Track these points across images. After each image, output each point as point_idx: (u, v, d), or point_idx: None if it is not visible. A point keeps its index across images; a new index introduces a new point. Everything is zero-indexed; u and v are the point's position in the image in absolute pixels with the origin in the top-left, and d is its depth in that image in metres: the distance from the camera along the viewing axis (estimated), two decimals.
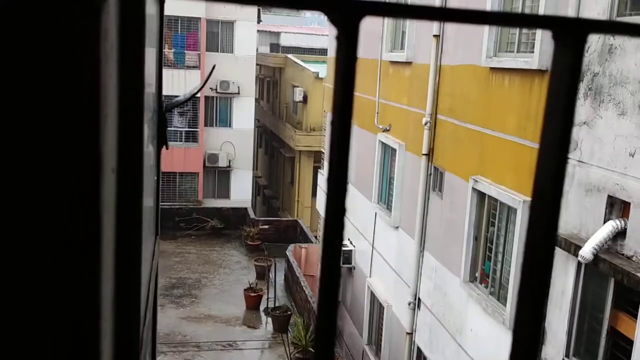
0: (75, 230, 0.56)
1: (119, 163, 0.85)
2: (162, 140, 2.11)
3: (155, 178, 2.13)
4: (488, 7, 8.54)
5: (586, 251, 6.16)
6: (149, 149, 1.78)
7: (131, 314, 1.09)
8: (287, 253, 19.22)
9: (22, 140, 0.52)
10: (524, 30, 8.06)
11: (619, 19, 6.24)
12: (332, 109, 0.43)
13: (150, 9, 1.68)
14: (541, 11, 7.35)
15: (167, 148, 2.16)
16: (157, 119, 2.03)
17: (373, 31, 13.31)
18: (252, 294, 17.65)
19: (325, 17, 0.44)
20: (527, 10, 8.00)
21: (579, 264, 6.56)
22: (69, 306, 0.57)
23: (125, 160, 0.89)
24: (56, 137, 0.52)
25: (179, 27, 24.97)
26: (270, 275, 18.30)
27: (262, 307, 17.71)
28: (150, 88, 1.82)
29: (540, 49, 7.29)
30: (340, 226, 0.45)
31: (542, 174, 0.51)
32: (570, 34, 0.47)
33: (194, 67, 24.86)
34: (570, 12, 6.81)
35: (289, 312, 16.77)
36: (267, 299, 17.51)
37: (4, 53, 0.49)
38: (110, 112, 0.73)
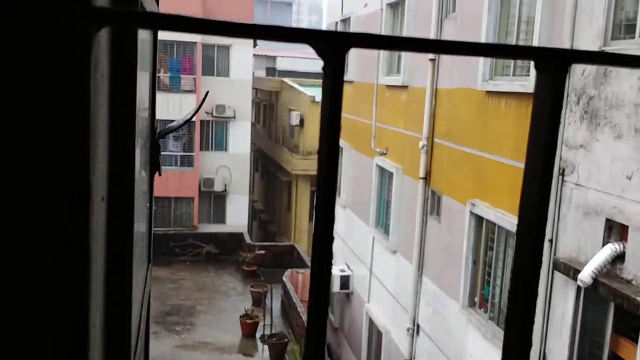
0: (63, 259, 0.57)
1: (110, 191, 0.85)
2: (155, 166, 2.06)
3: (148, 205, 2.08)
4: (483, 33, 8.57)
5: (585, 275, 6.09)
6: (141, 175, 1.73)
7: (122, 343, 1.09)
8: (284, 279, 19.06)
9: (11, 168, 0.53)
10: None
11: (614, 42, 6.25)
12: (320, 137, 0.44)
13: (144, 34, 1.64)
14: (535, 35, 7.37)
15: (159, 174, 2.11)
16: (150, 145, 1.99)
17: (369, 55, 13.37)
18: (248, 321, 17.44)
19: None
20: (522, 34, 8.03)
21: (579, 288, 6.48)
22: (56, 336, 0.58)
23: (116, 188, 0.90)
24: (44, 166, 0.53)
25: (175, 51, 25.12)
26: (267, 301, 18.12)
27: (258, 334, 17.49)
28: (143, 114, 1.78)
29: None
30: (329, 250, 0.47)
31: (527, 200, 0.52)
32: (553, 65, 0.46)
33: (190, 92, 24.94)
34: (565, 37, 6.83)
35: (286, 340, 16.56)
36: (264, 325, 17.30)
37: None
38: (101, 141, 0.74)
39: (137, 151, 1.57)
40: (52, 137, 0.52)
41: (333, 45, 0.42)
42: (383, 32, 12.56)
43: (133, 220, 1.07)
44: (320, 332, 0.46)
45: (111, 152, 0.84)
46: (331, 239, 0.45)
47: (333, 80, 0.42)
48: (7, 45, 0.50)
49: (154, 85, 2.14)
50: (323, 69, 0.42)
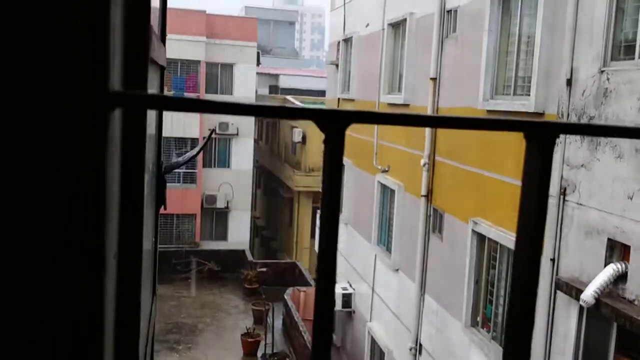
0: (77, 321, 0.58)
1: (120, 249, 0.89)
2: (160, 200, 2.08)
3: (153, 239, 2.09)
4: (483, 53, 8.64)
5: (587, 295, 6.07)
6: (148, 211, 1.76)
7: None
8: (285, 297, 18.99)
9: (31, 233, 0.56)
10: (520, 74, 8.14)
11: (613, 63, 6.29)
12: (321, 205, 0.47)
13: (151, 77, 1.68)
14: (536, 55, 7.42)
15: (165, 208, 2.14)
16: (156, 181, 2.01)
17: (371, 73, 13.46)
18: (250, 340, 17.35)
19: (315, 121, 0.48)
20: (522, 54, 8.09)
21: (581, 308, 6.46)
22: None
23: (126, 246, 0.93)
24: (63, 229, 0.56)
25: (179, 69, 25.29)
26: (268, 319, 18.03)
27: (259, 353, 17.38)
28: (149, 151, 1.81)
29: (537, 92, 7.33)
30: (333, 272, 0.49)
31: (518, 265, 0.51)
32: (541, 136, 0.48)
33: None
34: (565, 57, 6.87)
35: (287, 359, 16.46)
36: (265, 344, 17.20)
37: (15, 156, 0.54)
38: (113, 202, 0.78)
39: (147, 189, 1.60)
40: (69, 204, 0.56)
41: (335, 122, 0.45)
42: (384, 52, 12.66)
43: (140, 272, 1.09)
44: (324, 352, 0.48)
45: (122, 211, 0.87)
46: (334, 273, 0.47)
47: (333, 153, 0.45)
48: (29, 124, 0.53)
49: (161, 118, 2.17)
50: (324, 142, 0.45)
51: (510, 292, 0.51)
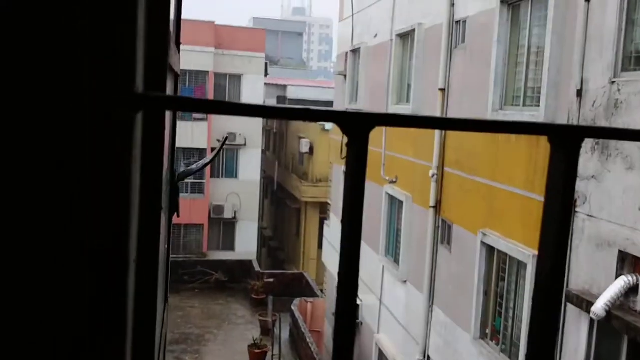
0: (102, 326, 0.59)
1: (139, 254, 0.90)
2: (174, 207, 2.09)
3: (167, 246, 2.09)
4: (493, 63, 8.62)
5: (598, 308, 6.01)
6: (162, 218, 1.77)
7: None
8: (293, 308, 18.92)
9: (58, 233, 0.57)
10: (530, 84, 8.11)
11: (624, 74, 6.26)
12: (343, 209, 0.47)
13: (170, 79, 1.69)
14: (545, 66, 7.40)
15: (178, 215, 2.14)
16: (170, 189, 2.02)
17: (379, 84, 13.47)
18: (257, 351, 17.28)
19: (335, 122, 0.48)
20: (532, 65, 8.06)
21: (592, 320, 6.38)
22: None
23: (145, 250, 0.97)
24: (89, 231, 0.57)
25: (187, 80, 25.43)
26: (275, 330, 17.97)
27: None
28: (164, 161, 1.83)
29: (547, 103, 7.30)
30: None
31: (541, 275, 0.49)
32: (565, 141, 0.46)
33: (202, 120, 25.17)
34: (575, 68, 6.84)
35: None
36: (272, 355, 17.13)
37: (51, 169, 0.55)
38: (134, 208, 0.77)
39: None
40: (96, 207, 0.57)
41: (358, 125, 0.45)
42: (392, 62, 12.67)
43: (157, 277, 1.11)
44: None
45: (141, 215, 0.89)
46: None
47: (357, 156, 0.45)
48: (59, 126, 0.55)
49: (175, 126, 2.18)
50: (347, 145, 0.45)
51: (533, 300, 0.50)
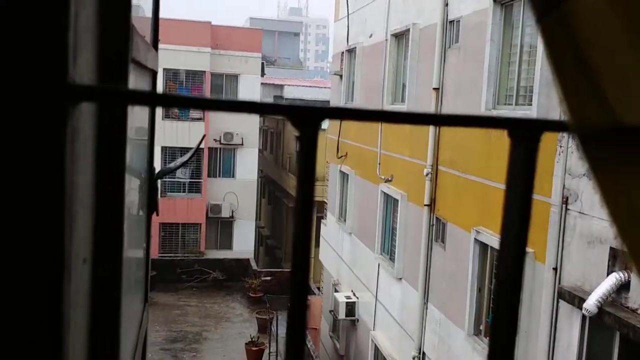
0: (35, 326, 0.56)
1: (95, 252, 0.86)
2: (152, 207, 2.11)
3: (145, 245, 2.12)
4: (486, 63, 8.71)
5: (590, 304, 6.09)
6: (138, 218, 1.79)
7: None
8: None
9: None
10: (522, 83, 8.20)
11: None
12: (295, 200, 0.47)
13: (141, 83, 1.72)
14: (537, 65, 7.48)
15: (157, 214, 2.17)
16: (148, 187, 2.03)
17: (374, 84, 13.54)
18: (254, 348, 17.34)
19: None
20: (524, 64, 8.15)
21: (584, 317, 6.47)
22: None
23: (102, 248, 0.89)
24: (15, 237, 0.54)
25: (184, 80, 25.43)
26: (272, 328, 18.02)
27: None
28: (141, 156, 1.85)
29: (539, 101, 7.39)
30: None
31: (502, 270, 0.53)
32: (525, 134, 0.50)
33: (199, 120, 25.19)
34: None
35: None
36: (269, 353, 17.19)
37: None
38: (83, 206, 0.74)
39: (134, 193, 1.62)
40: (25, 202, 0.54)
41: (307, 119, 0.45)
42: (387, 62, 12.74)
43: (121, 278, 1.04)
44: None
45: (97, 213, 0.85)
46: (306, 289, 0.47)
47: (307, 149, 0.46)
48: None
49: (153, 124, 2.21)
50: (298, 138, 0.46)
51: (495, 293, 0.51)
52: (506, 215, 0.52)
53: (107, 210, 0.91)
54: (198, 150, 24.54)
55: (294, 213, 0.47)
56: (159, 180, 2.32)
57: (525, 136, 0.51)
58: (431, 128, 10.44)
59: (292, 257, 0.48)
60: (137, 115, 1.58)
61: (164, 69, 24.10)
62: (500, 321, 0.51)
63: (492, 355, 0.50)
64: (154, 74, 2.06)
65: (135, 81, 1.47)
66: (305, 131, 0.47)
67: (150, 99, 0.52)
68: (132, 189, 1.50)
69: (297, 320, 0.48)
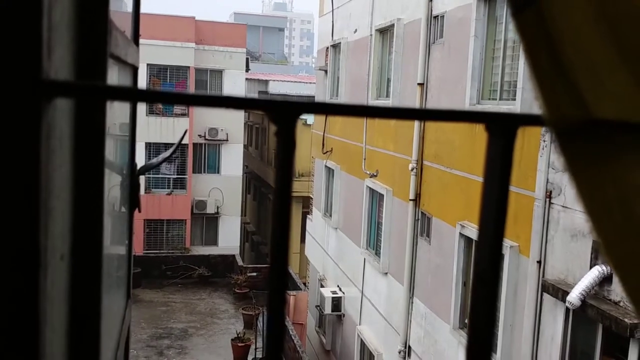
0: (11, 322, 0.56)
1: (73, 248, 0.85)
2: (134, 203, 2.10)
3: (127, 241, 2.11)
4: (470, 58, 8.74)
5: (573, 297, 6.15)
6: (120, 214, 1.78)
7: None
8: None
9: None
10: (506, 78, 8.25)
11: None
12: (273, 192, 0.48)
13: (122, 78, 1.70)
14: (521, 60, 7.53)
15: (139, 211, 2.16)
16: (129, 183, 2.02)
17: (359, 79, 13.54)
18: (240, 344, 17.32)
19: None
20: (508, 59, 8.19)
21: (567, 309, 6.54)
22: None
23: (81, 244, 0.88)
24: None
25: (168, 75, 25.26)
26: (259, 324, 18.02)
27: (250, 358, 17.36)
28: (122, 152, 1.83)
29: (522, 96, 7.44)
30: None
31: (481, 260, 0.53)
32: (501, 128, 0.50)
33: (183, 115, 25.05)
34: None
35: None
36: (255, 348, 17.19)
37: None
38: (60, 200, 0.74)
39: (115, 189, 1.60)
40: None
41: (285, 113, 0.45)
42: (372, 57, 12.75)
43: (100, 274, 1.03)
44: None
45: (75, 208, 0.85)
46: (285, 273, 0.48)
47: (285, 144, 0.45)
48: None
49: (134, 119, 2.19)
50: (275, 133, 0.46)
51: (472, 284, 0.51)
52: (484, 207, 0.52)
53: (86, 205, 0.90)
54: (181, 146, 24.44)
55: (272, 207, 0.48)
56: (141, 176, 2.30)
57: (502, 130, 0.51)
58: (416, 123, 10.47)
59: (270, 250, 0.48)
60: (117, 111, 1.56)
61: (148, 65, 23.91)
62: (477, 314, 0.51)
63: (470, 348, 0.50)
64: (134, 70, 2.04)
65: (115, 77, 1.45)
66: (283, 126, 0.46)
67: (126, 94, 0.51)
68: (113, 185, 1.48)
69: (275, 310, 0.47)
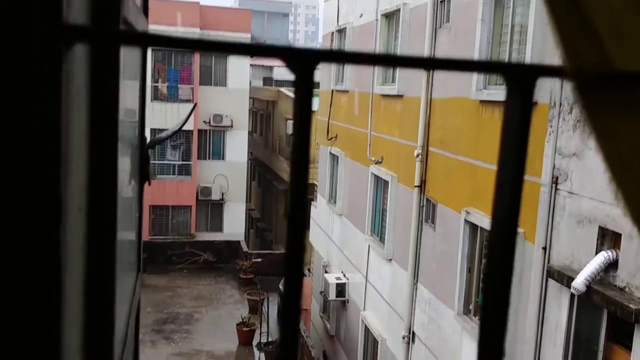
0: (32, 271, 0.56)
1: (90, 202, 0.85)
2: (144, 176, 2.10)
3: (137, 214, 2.11)
4: (477, 42, 8.67)
5: (579, 283, 6.14)
6: (130, 184, 1.78)
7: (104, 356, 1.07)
8: (280, 287, 19.02)
9: None
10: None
11: None
12: (292, 147, 0.46)
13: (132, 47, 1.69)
14: (528, 44, 7.46)
15: (149, 184, 2.16)
16: (139, 155, 2.03)
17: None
18: (245, 329, 17.43)
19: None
20: (515, 44, 8.12)
21: (572, 295, 6.53)
22: (26, 351, 0.57)
23: (97, 199, 0.89)
24: (12, 181, 0.54)
25: (173, 61, 25.20)
26: (263, 309, 18.11)
27: (255, 342, 17.47)
28: (132, 124, 1.82)
29: None
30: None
31: (497, 218, 0.52)
32: (521, 79, 0.49)
33: (188, 101, 25.01)
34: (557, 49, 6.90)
35: None
36: (260, 333, 17.29)
37: None
38: (78, 152, 0.74)
39: (126, 160, 1.61)
40: (20, 152, 0.54)
41: (303, 61, 0.45)
42: (378, 42, 12.67)
43: (116, 229, 1.05)
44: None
45: (91, 163, 0.85)
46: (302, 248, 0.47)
47: (303, 94, 0.45)
48: None
49: (144, 96, 2.19)
50: (293, 83, 0.45)
51: (488, 254, 0.50)
52: (501, 160, 0.51)
53: (100, 158, 0.91)
54: (186, 132, 24.44)
55: (290, 157, 0.46)
56: (150, 150, 2.31)
57: (521, 81, 0.50)
58: (422, 110, 10.42)
59: (288, 211, 0.47)
60: (126, 93, 1.56)
61: (152, 50, 23.85)
62: (493, 280, 0.50)
63: (483, 337, 0.49)
64: None
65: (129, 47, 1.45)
66: (301, 74, 0.45)
67: (142, 39, 0.51)
68: (124, 155, 1.49)
69: (292, 297, 0.47)
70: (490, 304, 0.49)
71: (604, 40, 0.42)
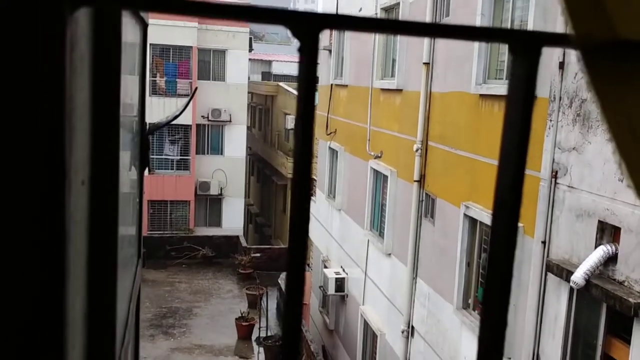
0: (37, 240, 0.56)
1: (92, 176, 0.86)
2: (144, 163, 2.10)
3: (138, 200, 2.11)
4: (475, 51, 8.63)
5: (578, 276, 6.13)
6: (131, 171, 1.77)
7: (106, 332, 1.08)
8: (279, 281, 19.05)
9: None
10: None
11: None
12: (296, 116, 0.46)
13: (132, 35, 1.68)
14: (530, 20, 7.42)
15: (149, 172, 2.15)
16: (139, 142, 2.02)
17: (364, 59, 13.44)
18: (244, 324, 17.44)
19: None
20: (517, 20, 8.09)
21: (572, 289, 6.53)
22: (29, 332, 0.57)
23: (99, 173, 0.90)
24: (17, 148, 0.53)
25: (171, 55, 25.13)
26: (262, 304, 18.12)
27: (254, 337, 17.49)
28: (132, 111, 1.81)
29: None
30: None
31: (502, 185, 0.51)
32: (526, 47, 0.48)
33: (186, 95, 24.95)
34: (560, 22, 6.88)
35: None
36: (259, 328, 17.31)
37: None
38: (81, 124, 0.75)
39: (126, 143, 1.60)
40: (22, 119, 0.53)
41: (307, 27, 0.44)
42: (377, 37, 12.63)
43: (117, 203, 1.05)
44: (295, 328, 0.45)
45: (94, 136, 0.85)
46: (306, 230, 0.46)
47: (308, 59, 0.44)
48: None
49: (144, 85, 2.18)
50: (299, 49, 0.44)
51: (490, 245, 0.49)
52: (506, 128, 0.50)
53: (103, 130, 0.90)
54: (184, 127, 24.39)
55: (294, 131, 0.45)
56: (150, 136, 2.30)
57: (526, 48, 0.49)
58: (421, 104, 10.40)
59: (292, 176, 0.46)
60: (127, 86, 1.55)
61: (151, 45, 23.79)
62: (493, 274, 0.50)
63: (483, 331, 0.49)
64: (145, 27, 2.02)
65: (130, 29, 1.44)
66: (306, 40, 0.44)
67: (144, 3, 0.49)
68: (124, 142, 1.48)
69: (294, 292, 0.47)
70: (491, 298, 0.49)
71: (611, 8, 0.41)
